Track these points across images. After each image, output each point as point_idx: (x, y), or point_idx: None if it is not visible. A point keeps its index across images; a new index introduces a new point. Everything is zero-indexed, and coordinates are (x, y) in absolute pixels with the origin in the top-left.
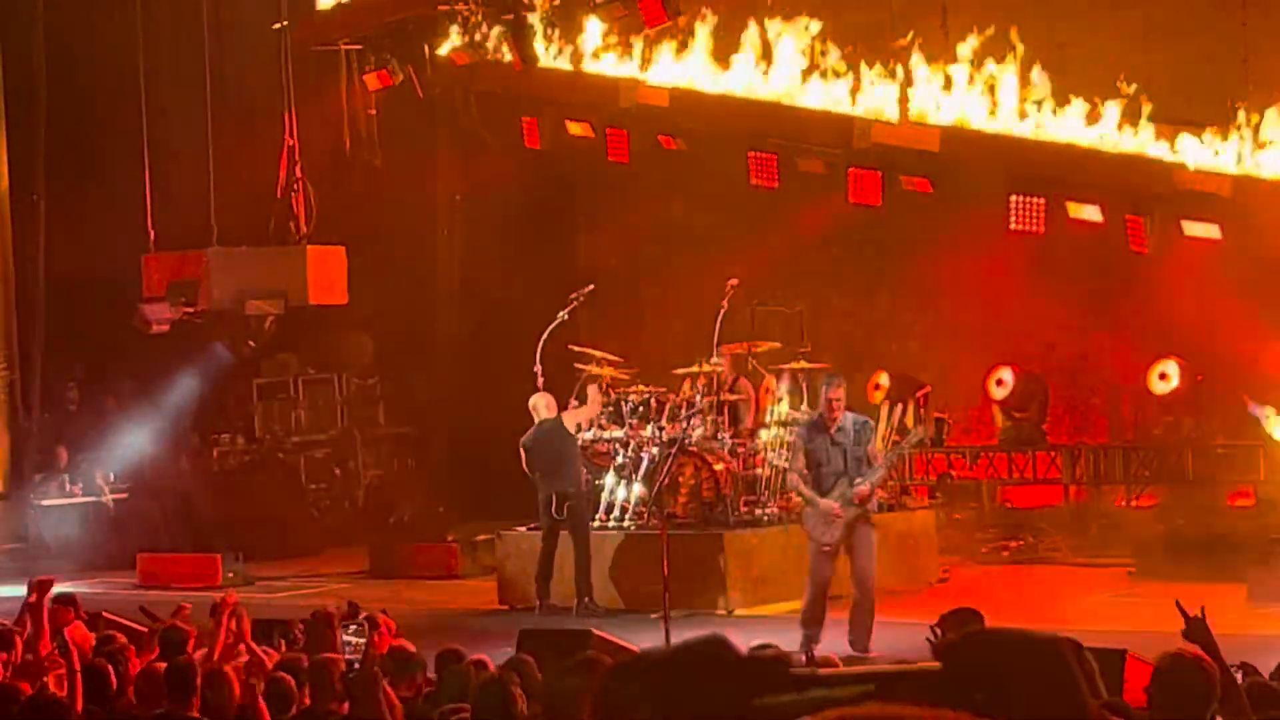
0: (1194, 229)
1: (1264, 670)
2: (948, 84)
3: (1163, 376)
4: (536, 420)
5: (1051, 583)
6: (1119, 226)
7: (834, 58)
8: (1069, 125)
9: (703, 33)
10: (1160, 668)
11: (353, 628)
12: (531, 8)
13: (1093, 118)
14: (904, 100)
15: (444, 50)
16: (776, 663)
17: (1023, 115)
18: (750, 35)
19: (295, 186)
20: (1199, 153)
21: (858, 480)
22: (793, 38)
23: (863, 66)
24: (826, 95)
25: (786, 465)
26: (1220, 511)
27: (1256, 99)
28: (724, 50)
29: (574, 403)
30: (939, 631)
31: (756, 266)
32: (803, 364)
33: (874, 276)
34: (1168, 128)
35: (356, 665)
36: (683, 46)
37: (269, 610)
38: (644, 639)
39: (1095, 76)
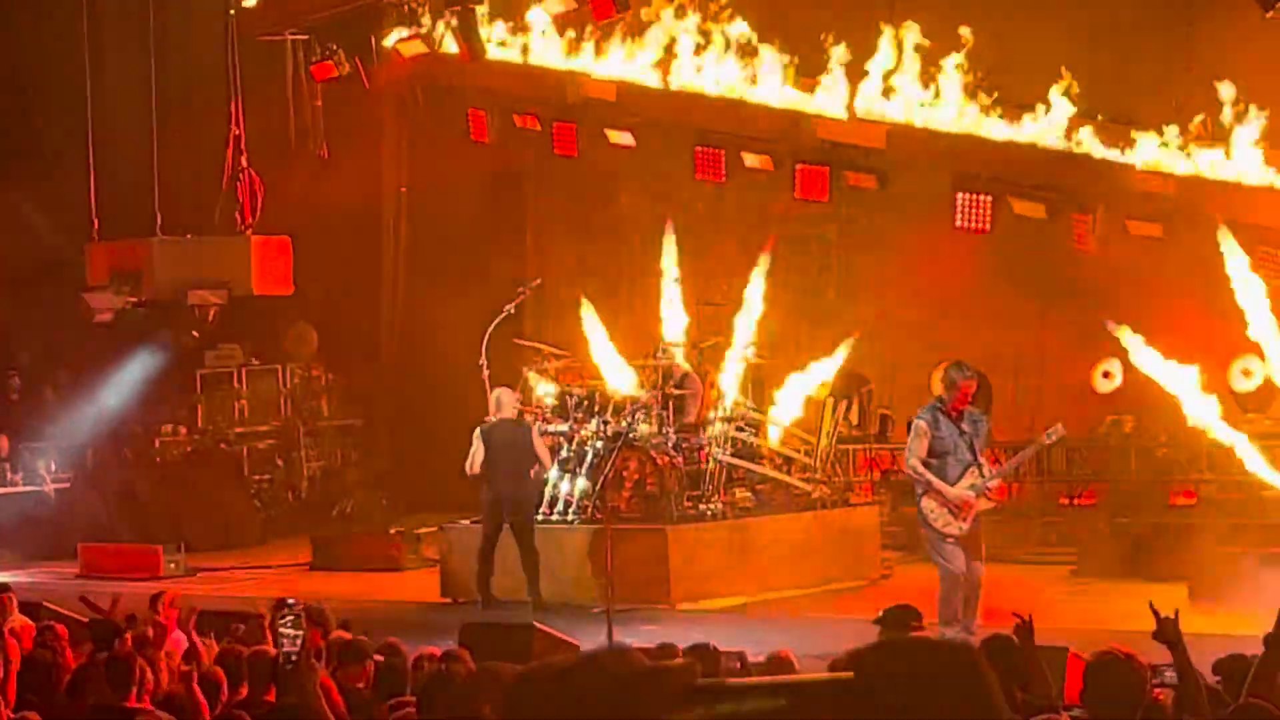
0: (1139, 228)
1: (1203, 668)
2: (893, 82)
3: (1106, 375)
4: (498, 416)
5: (993, 580)
6: (1064, 224)
7: (781, 55)
8: (1015, 124)
9: (652, 28)
10: (1092, 665)
11: (290, 619)
12: (479, 0)
13: (1039, 116)
14: (851, 97)
15: (391, 41)
16: (681, 674)
17: (969, 113)
18: (698, 31)
19: (240, 176)
20: (1144, 152)
21: (989, 473)
22: (740, 34)
23: (810, 63)
24: (774, 92)
25: (733, 460)
26: (1162, 510)
27: (1201, 98)
28: (672, 46)
29: (518, 397)
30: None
31: (704, 262)
32: (749, 359)
33: (820, 273)
34: (1114, 126)
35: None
36: (632, 41)
37: (210, 602)
38: (587, 633)
39: (1042, 75)
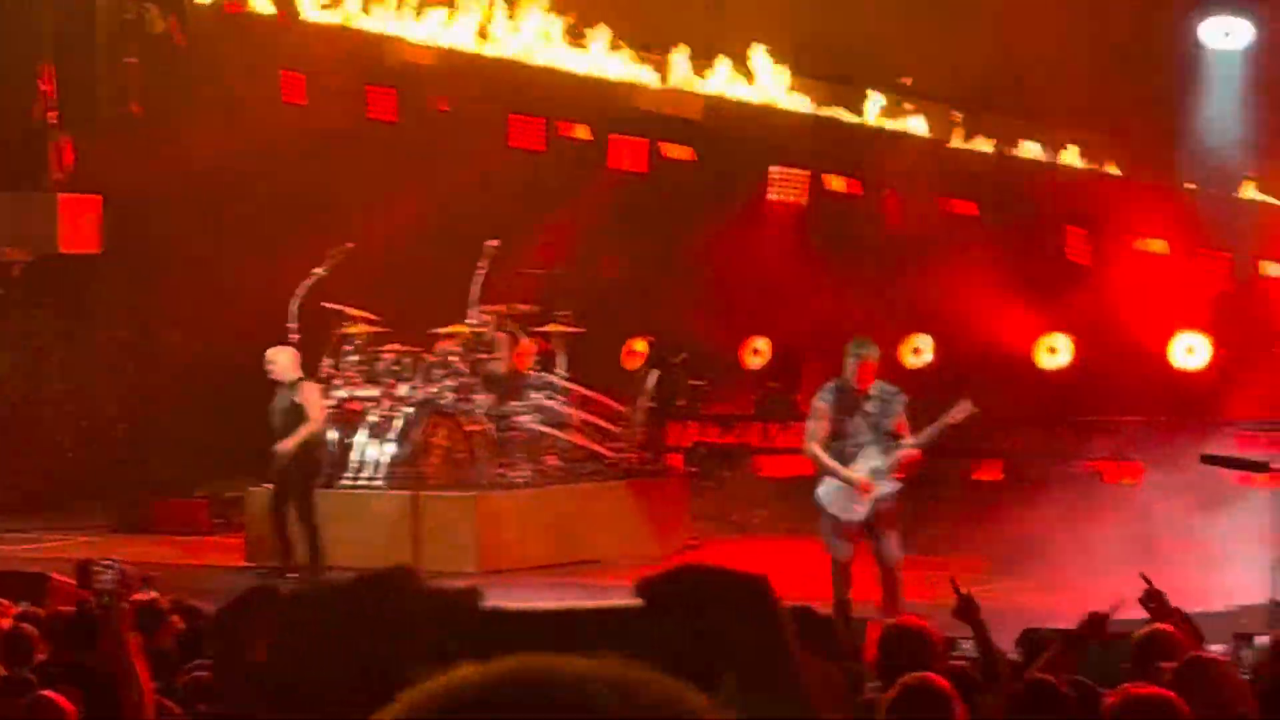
0: (956, 205)
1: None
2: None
3: (916, 351)
4: (273, 376)
5: (800, 552)
6: (875, 200)
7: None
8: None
9: None
10: (884, 636)
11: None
12: None
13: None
14: (664, 67)
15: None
16: (464, 596)
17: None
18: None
19: (50, 133)
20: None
21: (891, 453)
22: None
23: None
24: (591, 61)
25: (543, 428)
26: (967, 485)
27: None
28: (492, 11)
29: (327, 361)
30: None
31: (518, 230)
32: (560, 327)
33: (636, 243)
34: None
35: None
36: (451, 7)
37: (10, 563)
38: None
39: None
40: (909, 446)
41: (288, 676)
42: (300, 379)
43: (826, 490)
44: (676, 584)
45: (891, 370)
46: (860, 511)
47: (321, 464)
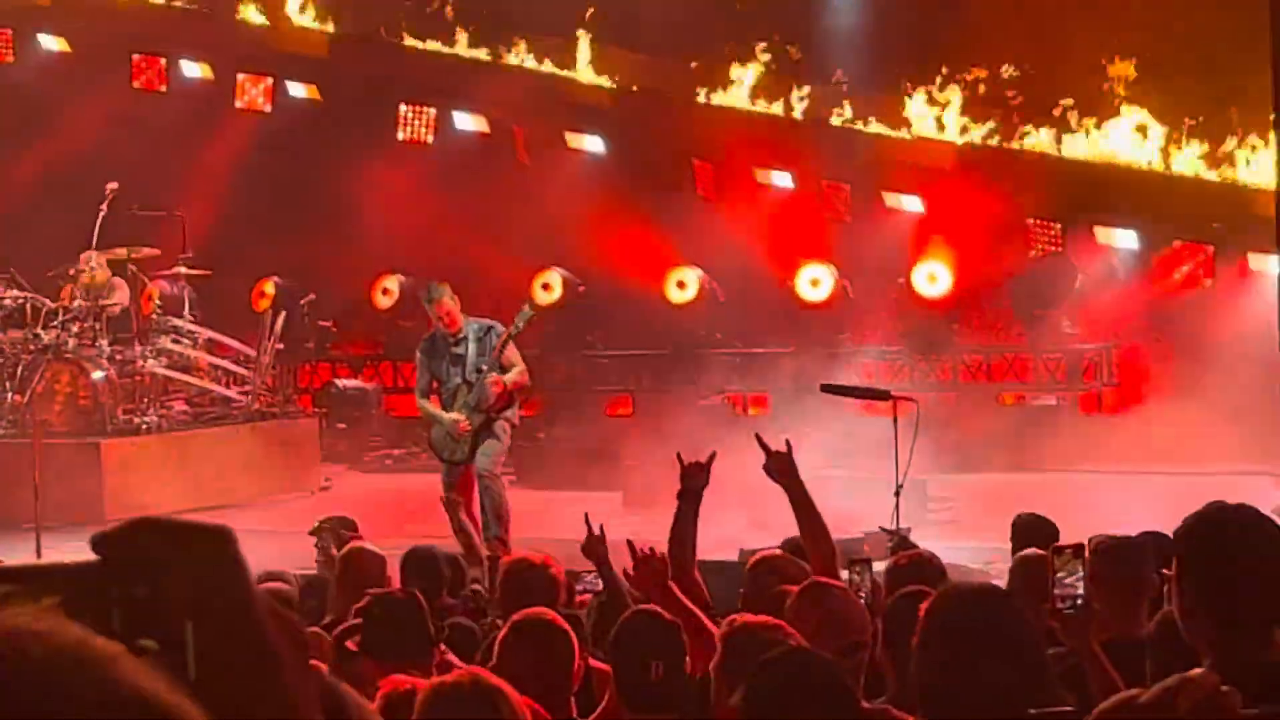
0: (577, 140)
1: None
2: None
3: (545, 286)
4: None
5: (431, 490)
6: (505, 137)
7: None
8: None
9: None
10: (505, 571)
11: None
12: None
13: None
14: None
15: None
16: None
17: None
18: None
19: None
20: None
21: (482, 385)
22: None
23: None
24: None
25: (169, 372)
26: (600, 420)
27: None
28: None
29: None
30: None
31: (140, 172)
32: (184, 270)
33: (260, 183)
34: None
35: None
36: None
37: None
38: (17, 552)
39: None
40: (489, 374)
41: None
42: None
43: (432, 437)
44: (133, 537)
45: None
46: (464, 451)
47: None
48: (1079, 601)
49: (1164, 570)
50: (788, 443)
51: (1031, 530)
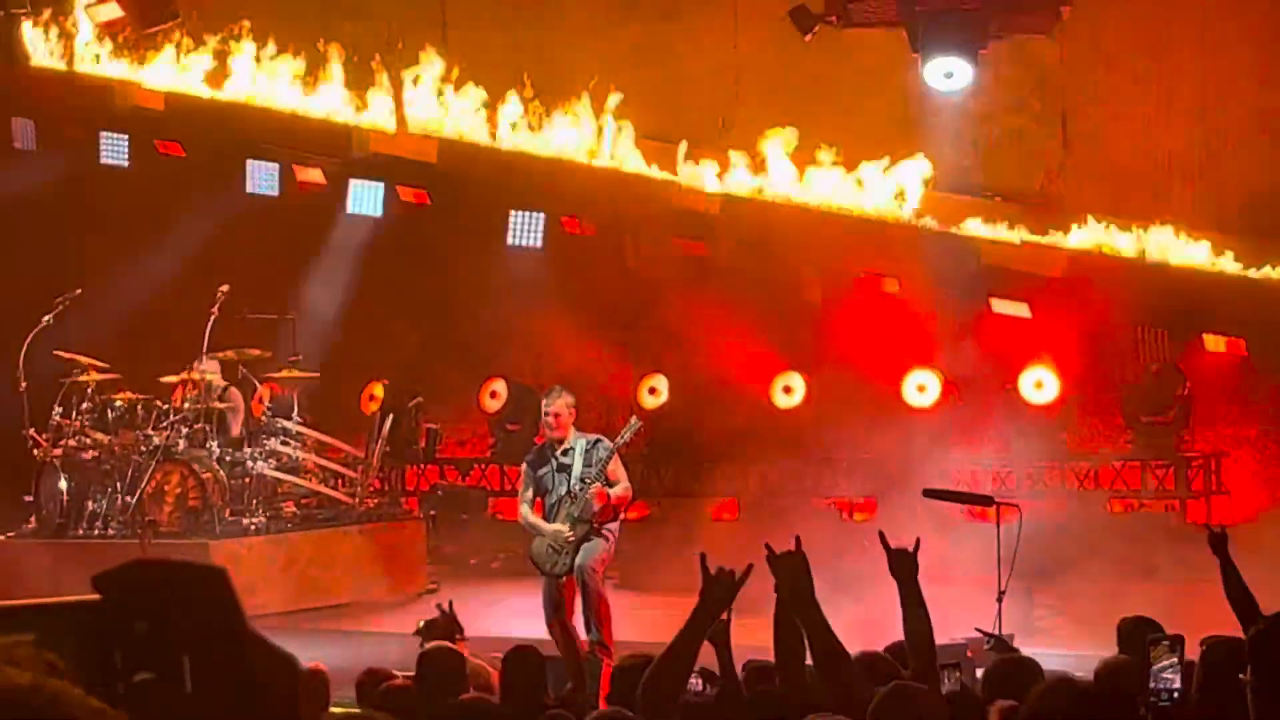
0: (683, 245)
1: None
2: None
3: (652, 391)
4: None
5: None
6: (612, 242)
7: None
8: (564, 140)
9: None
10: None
11: None
12: (21, 4)
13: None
14: (400, 110)
15: None
16: None
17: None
18: (248, 42)
19: None
20: (688, 171)
21: (584, 497)
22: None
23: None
24: (326, 104)
25: (278, 474)
26: (705, 524)
27: (746, 118)
28: (225, 57)
29: (58, 410)
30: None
31: (251, 274)
32: (294, 373)
33: (370, 287)
34: (661, 146)
35: None
36: (183, 51)
37: None
38: None
39: (588, 95)
40: (591, 485)
41: None
42: None
43: (532, 549)
44: (133, 577)
45: (630, 410)
46: (566, 563)
47: None
48: (1175, 695)
49: (1240, 676)
50: (917, 541)
51: (1137, 633)
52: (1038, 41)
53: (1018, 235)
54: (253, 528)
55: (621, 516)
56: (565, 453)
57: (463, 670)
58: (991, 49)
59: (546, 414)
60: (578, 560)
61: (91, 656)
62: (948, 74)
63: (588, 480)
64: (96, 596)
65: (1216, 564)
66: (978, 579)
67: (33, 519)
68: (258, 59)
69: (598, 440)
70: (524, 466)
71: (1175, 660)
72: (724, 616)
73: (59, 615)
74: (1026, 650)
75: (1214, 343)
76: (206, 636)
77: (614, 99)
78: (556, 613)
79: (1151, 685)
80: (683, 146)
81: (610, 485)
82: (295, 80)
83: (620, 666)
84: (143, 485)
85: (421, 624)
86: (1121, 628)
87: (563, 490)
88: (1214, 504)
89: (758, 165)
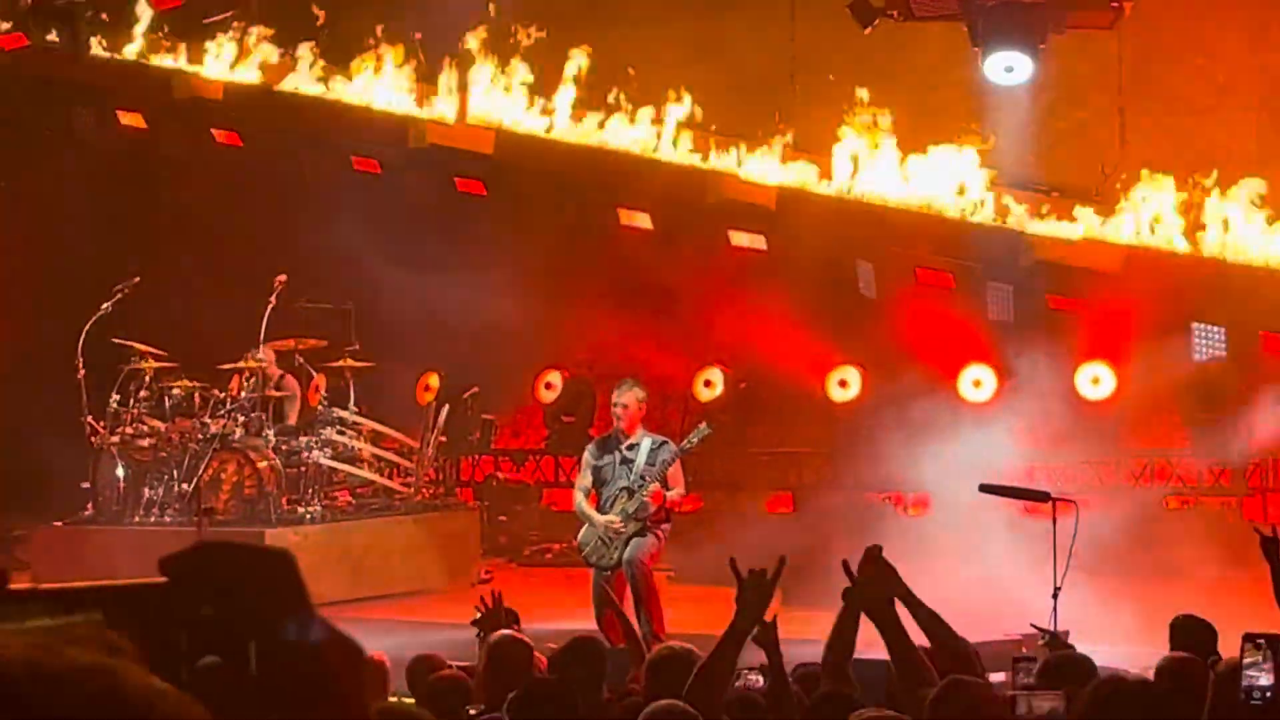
0: (740, 239)
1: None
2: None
3: (707, 384)
4: None
5: (587, 584)
6: (668, 234)
7: (395, 57)
8: (622, 133)
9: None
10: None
11: None
12: None
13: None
14: (462, 103)
15: None
16: None
17: (583, 123)
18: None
19: None
20: (747, 164)
21: (642, 495)
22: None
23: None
24: (384, 95)
25: (333, 463)
26: (760, 518)
27: (803, 112)
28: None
29: (115, 398)
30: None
31: (307, 263)
32: (351, 362)
33: (426, 276)
34: (718, 139)
35: None
36: (243, 39)
37: None
38: None
39: (646, 88)
40: (650, 484)
41: None
42: None
43: (581, 538)
44: (199, 559)
45: (684, 402)
46: (614, 556)
47: None
48: (1268, 695)
49: None
50: (873, 552)
51: (1189, 633)
52: (1100, 36)
53: (1075, 230)
54: (308, 516)
55: (672, 518)
56: (630, 447)
57: (532, 661)
58: (1053, 43)
59: (616, 405)
60: (626, 554)
61: (156, 639)
62: (1008, 68)
63: (647, 479)
64: (162, 579)
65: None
66: (1033, 575)
67: (90, 505)
68: (315, 50)
69: (664, 442)
70: (585, 455)
71: (1259, 659)
72: (768, 619)
73: (123, 597)
74: (1080, 647)
75: (1271, 339)
76: (273, 621)
77: (671, 92)
78: (608, 606)
79: (1245, 684)
80: (738, 141)
81: (668, 489)
82: (353, 71)
83: (654, 659)
84: (200, 473)
85: (479, 613)
86: (1175, 626)
87: (621, 484)
88: (1270, 501)
89: (814, 159)
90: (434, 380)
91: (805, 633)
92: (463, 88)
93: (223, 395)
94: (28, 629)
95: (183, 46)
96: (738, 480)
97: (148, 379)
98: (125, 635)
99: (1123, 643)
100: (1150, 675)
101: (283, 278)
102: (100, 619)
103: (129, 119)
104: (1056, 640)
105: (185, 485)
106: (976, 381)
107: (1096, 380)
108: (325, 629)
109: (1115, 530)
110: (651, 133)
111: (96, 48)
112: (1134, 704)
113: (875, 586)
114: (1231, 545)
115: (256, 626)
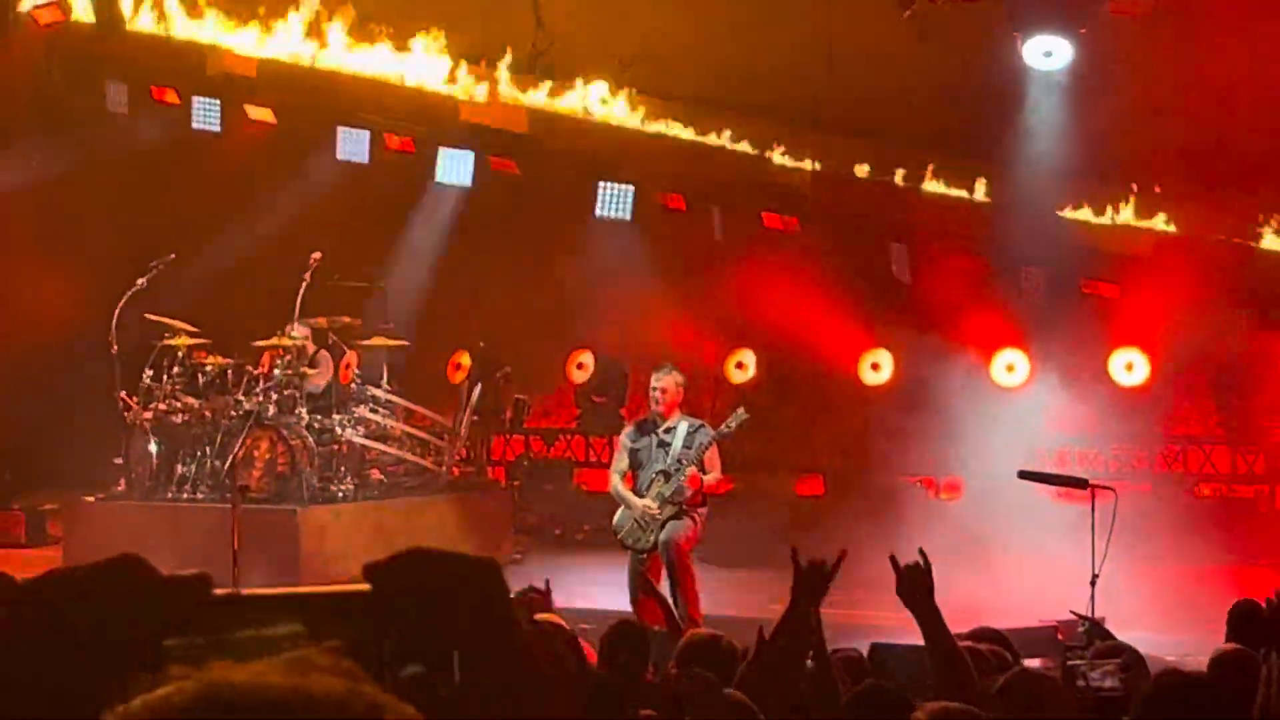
0: (773, 220)
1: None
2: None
3: (740, 365)
4: None
5: (620, 564)
6: (701, 216)
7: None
8: (653, 113)
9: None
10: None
11: None
12: None
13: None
14: (494, 81)
15: (25, 7)
16: (197, 583)
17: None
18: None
19: None
20: (779, 145)
21: (678, 479)
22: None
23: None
24: (420, 73)
25: (366, 441)
26: (791, 500)
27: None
28: (319, 23)
29: (149, 374)
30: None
31: (342, 242)
32: (383, 340)
33: (458, 255)
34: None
35: None
36: (275, 16)
37: None
38: None
39: (680, 67)
40: (686, 468)
41: (12, 669)
42: None
43: (617, 520)
44: (405, 567)
45: (716, 384)
46: (649, 540)
47: None
48: None
49: None
50: (922, 553)
51: (1247, 620)
52: (1135, 23)
53: (1109, 216)
54: (341, 494)
55: (709, 503)
56: (668, 431)
57: (648, 647)
58: (1091, 28)
59: (654, 389)
60: (662, 536)
61: (359, 648)
62: (1047, 53)
63: (684, 462)
64: (365, 586)
65: None
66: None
67: (122, 481)
68: (350, 27)
69: (701, 425)
70: (622, 437)
71: None
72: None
73: (325, 605)
74: (1116, 634)
75: None
76: (478, 630)
77: (703, 72)
78: (644, 589)
79: None
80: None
81: (705, 473)
82: (387, 48)
83: (686, 643)
84: (234, 450)
85: (515, 594)
86: (1234, 612)
87: (658, 467)
88: None
89: (849, 140)
90: (465, 359)
91: (834, 614)
92: (492, 66)
93: (256, 373)
94: (268, 645)
95: (216, 22)
96: (769, 463)
97: (181, 355)
98: (334, 646)
99: (1154, 631)
100: (1189, 663)
101: (318, 255)
102: (301, 630)
103: (161, 94)
104: (1096, 627)
105: (218, 462)
106: (1009, 366)
107: (1130, 366)
108: (531, 638)
109: (1146, 517)
110: (682, 112)
111: (131, 24)
112: (1195, 697)
113: (920, 579)
114: (1265, 532)
115: (460, 636)
